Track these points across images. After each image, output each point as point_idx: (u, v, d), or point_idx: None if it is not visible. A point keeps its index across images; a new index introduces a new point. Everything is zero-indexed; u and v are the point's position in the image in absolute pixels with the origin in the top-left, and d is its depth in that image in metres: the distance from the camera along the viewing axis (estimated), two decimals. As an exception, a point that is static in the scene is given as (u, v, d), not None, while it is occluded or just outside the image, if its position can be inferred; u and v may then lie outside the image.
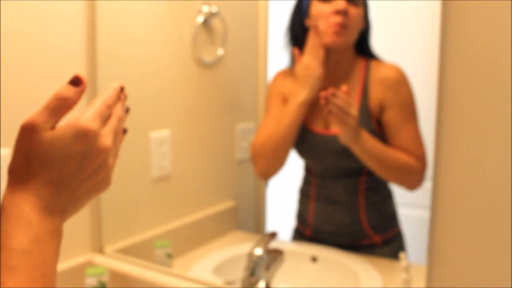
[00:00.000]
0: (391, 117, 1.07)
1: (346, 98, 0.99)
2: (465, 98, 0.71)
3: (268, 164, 1.18)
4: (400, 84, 1.07)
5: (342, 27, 1.06)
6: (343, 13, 1.05)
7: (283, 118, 1.12)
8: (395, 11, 1.16)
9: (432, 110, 0.77)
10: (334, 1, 1.07)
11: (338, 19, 1.06)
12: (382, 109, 1.08)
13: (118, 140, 0.52)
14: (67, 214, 0.48)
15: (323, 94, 1.00)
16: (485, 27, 0.69)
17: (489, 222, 0.71)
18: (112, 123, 0.49)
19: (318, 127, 1.14)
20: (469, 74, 0.71)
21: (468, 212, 0.73)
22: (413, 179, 1.06)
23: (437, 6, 0.73)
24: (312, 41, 1.09)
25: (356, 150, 1.04)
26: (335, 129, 1.10)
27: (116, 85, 0.51)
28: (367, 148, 1.04)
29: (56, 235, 0.46)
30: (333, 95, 0.99)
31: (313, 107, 1.12)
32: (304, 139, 1.15)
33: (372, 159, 1.05)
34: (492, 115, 0.70)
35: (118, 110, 0.51)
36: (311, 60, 1.09)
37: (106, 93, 0.50)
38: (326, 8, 1.07)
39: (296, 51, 1.12)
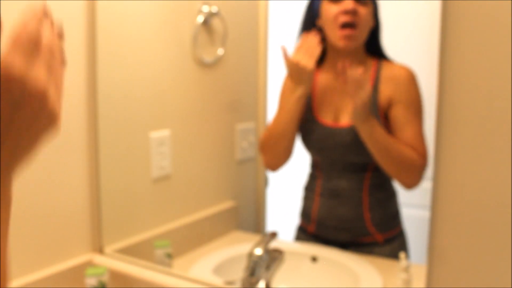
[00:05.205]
0: (397, 113, 1.08)
1: (362, 74, 1.04)
2: (465, 98, 0.71)
3: (272, 157, 1.25)
4: (410, 83, 1.09)
5: (352, 28, 1.09)
6: (352, 13, 1.07)
7: (282, 114, 1.18)
8: (395, 11, 1.16)
9: (432, 110, 0.77)
10: (343, 1, 1.08)
11: (347, 18, 1.08)
12: (390, 105, 1.10)
13: (56, 70, 0.42)
14: (12, 170, 0.41)
15: (340, 64, 1.04)
16: (485, 27, 0.69)
17: (489, 222, 0.71)
18: (41, 55, 0.40)
19: (327, 120, 1.16)
20: (469, 74, 0.71)
21: (468, 212, 0.73)
22: (413, 175, 1.07)
23: (437, 6, 0.73)
24: (307, 39, 1.12)
25: (364, 130, 1.06)
26: (344, 121, 1.12)
27: (36, 3, 0.40)
28: (374, 132, 1.05)
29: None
30: (350, 67, 1.03)
31: (322, 99, 1.16)
32: (312, 131, 1.18)
33: (377, 144, 1.06)
34: (492, 115, 0.70)
35: (46, 35, 0.40)
36: (302, 56, 1.11)
37: (23, 18, 0.39)
38: (335, 8, 1.09)
39: (283, 48, 1.14)
